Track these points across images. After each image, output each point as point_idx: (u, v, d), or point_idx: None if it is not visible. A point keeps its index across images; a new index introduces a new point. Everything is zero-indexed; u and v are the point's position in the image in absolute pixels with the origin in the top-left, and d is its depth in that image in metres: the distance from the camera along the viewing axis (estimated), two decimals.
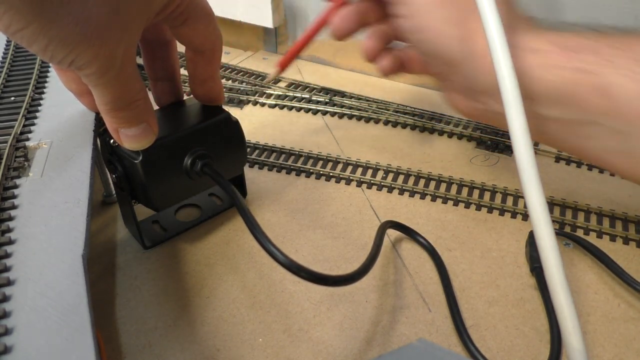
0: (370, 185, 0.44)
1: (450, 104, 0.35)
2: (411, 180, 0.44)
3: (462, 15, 0.30)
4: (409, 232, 0.38)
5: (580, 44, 0.28)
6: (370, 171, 0.45)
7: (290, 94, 0.57)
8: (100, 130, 0.35)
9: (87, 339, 0.22)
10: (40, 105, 0.37)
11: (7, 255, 0.26)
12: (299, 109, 0.55)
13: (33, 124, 0.35)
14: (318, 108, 0.54)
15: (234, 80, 0.60)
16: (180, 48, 0.35)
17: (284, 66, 0.41)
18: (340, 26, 0.36)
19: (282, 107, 0.55)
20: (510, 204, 0.41)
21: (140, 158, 0.32)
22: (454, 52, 0.31)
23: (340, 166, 0.46)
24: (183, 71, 0.37)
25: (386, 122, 0.52)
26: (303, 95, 0.57)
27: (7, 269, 0.25)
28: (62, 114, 0.36)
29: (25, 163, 0.31)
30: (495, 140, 0.49)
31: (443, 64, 0.32)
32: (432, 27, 0.31)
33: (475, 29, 0.29)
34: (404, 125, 0.52)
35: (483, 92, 0.31)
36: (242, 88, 0.58)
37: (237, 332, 0.32)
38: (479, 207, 0.41)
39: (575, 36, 0.29)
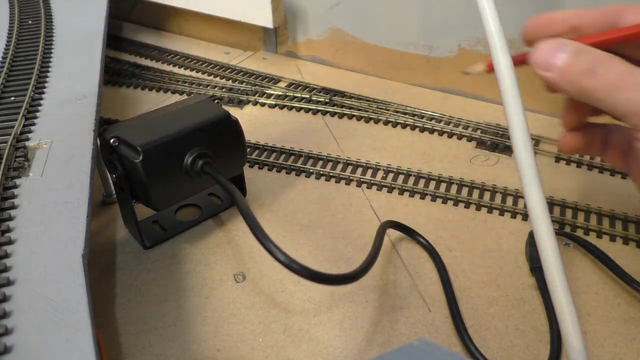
0: (370, 185, 0.44)
1: None
2: (411, 180, 0.44)
3: None
4: (409, 232, 0.38)
5: None
6: (370, 171, 0.45)
7: (290, 94, 0.57)
8: (100, 130, 0.35)
9: (87, 339, 0.22)
10: (40, 105, 0.37)
11: (7, 255, 0.26)
12: (299, 109, 0.55)
13: (33, 124, 0.35)
14: (318, 108, 0.54)
15: (234, 80, 0.60)
16: None
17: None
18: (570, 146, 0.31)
19: (282, 107, 0.55)
20: (510, 204, 0.41)
21: (141, 158, 0.32)
22: None
23: (340, 166, 0.46)
24: None
25: (386, 122, 0.52)
26: (303, 95, 0.57)
27: (7, 269, 0.25)
28: (62, 114, 0.36)
29: (25, 163, 0.31)
30: (495, 141, 0.49)
31: None
32: None
33: None
34: (404, 125, 0.52)
35: None
36: (242, 88, 0.58)
37: (237, 332, 0.32)
38: (479, 207, 0.41)
39: None
